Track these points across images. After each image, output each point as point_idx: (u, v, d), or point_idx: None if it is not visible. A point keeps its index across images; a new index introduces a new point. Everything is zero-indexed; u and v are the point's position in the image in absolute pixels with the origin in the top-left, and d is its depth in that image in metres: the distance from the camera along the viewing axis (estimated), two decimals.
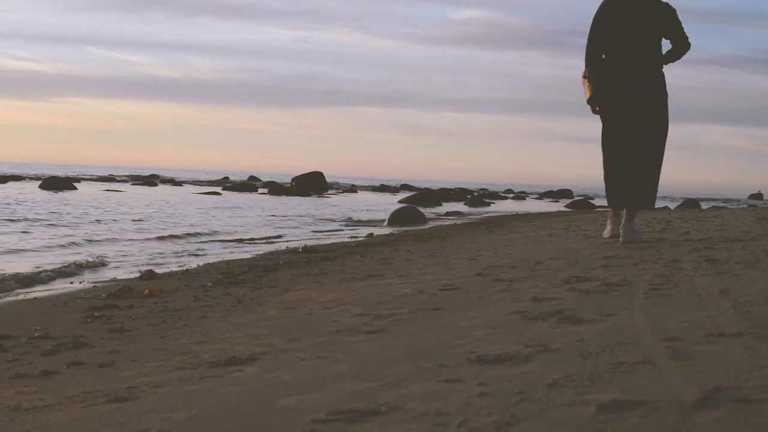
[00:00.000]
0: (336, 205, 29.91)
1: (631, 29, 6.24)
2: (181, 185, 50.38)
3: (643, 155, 6.49)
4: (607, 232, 7.21)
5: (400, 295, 5.21)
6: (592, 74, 6.29)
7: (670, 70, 6.71)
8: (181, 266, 9.20)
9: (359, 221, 20.18)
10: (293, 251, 10.49)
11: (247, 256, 10.30)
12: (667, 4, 6.40)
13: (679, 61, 6.58)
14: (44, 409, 2.76)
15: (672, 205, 29.23)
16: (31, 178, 50.16)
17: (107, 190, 35.45)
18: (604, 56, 6.36)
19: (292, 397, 2.45)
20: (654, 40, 6.34)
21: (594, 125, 7.02)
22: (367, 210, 26.26)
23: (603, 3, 6.35)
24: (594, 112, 6.59)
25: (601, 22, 6.32)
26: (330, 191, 45.45)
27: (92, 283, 7.85)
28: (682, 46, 6.48)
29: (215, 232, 15.08)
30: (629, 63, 6.29)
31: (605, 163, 6.62)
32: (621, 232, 6.77)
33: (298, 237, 14.43)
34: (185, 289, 6.80)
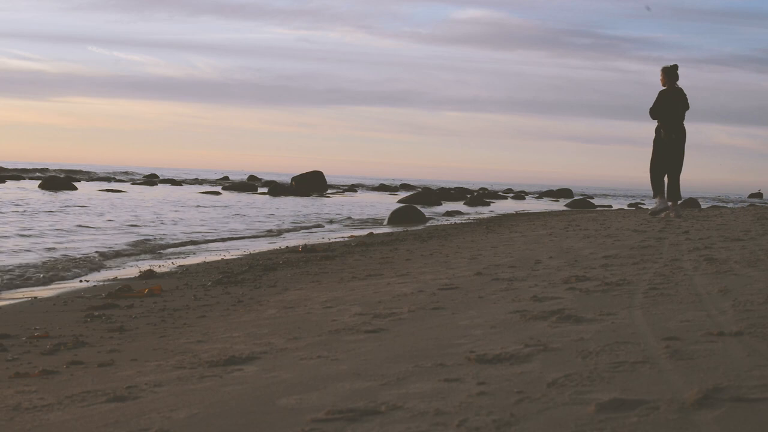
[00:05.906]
0: (336, 204, 29.92)
1: (672, 105, 11.70)
2: (181, 185, 50.37)
3: (673, 164, 11.69)
4: (654, 208, 11.95)
5: (399, 294, 5.21)
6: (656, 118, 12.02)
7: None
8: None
9: (359, 220, 20.19)
10: (293, 250, 10.49)
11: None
12: (682, 90, 11.77)
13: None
14: (44, 409, 2.76)
15: None
16: (32, 178, 50.16)
17: (106, 190, 35.47)
18: (661, 116, 11.76)
19: (292, 397, 2.45)
20: (681, 110, 11.77)
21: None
22: (367, 209, 26.27)
23: (661, 92, 11.71)
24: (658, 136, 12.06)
25: (660, 101, 11.67)
26: (330, 191, 45.41)
27: (92, 282, 7.85)
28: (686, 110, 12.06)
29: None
30: (671, 121, 11.70)
31: (652, 166, 11.66)
32: (672, 211, 11.67)
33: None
34: (185, 289, 6.79)
